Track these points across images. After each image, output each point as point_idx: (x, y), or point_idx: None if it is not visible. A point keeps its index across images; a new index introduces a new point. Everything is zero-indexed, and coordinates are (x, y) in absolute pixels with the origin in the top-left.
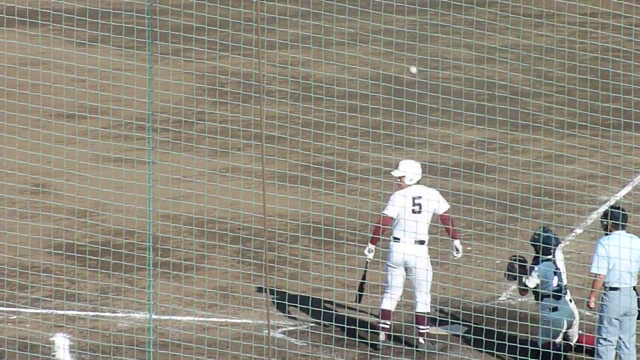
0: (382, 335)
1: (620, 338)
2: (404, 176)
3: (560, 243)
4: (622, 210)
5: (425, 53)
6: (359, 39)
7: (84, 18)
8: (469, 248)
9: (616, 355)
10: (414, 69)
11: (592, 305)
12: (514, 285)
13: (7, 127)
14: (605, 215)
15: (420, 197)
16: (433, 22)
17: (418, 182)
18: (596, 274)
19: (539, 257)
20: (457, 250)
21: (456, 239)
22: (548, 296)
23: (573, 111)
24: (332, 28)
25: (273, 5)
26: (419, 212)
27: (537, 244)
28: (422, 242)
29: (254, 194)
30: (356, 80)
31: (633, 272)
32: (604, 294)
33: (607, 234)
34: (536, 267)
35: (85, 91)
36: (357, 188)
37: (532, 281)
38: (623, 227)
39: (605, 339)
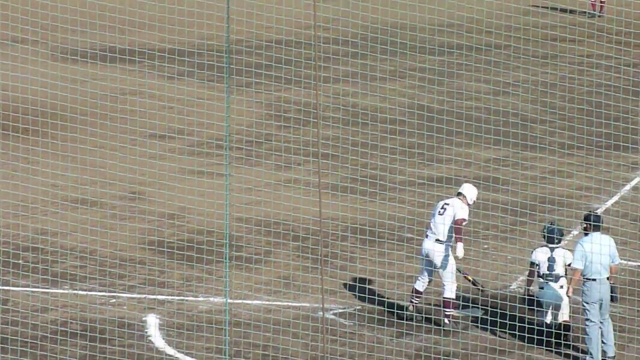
0: (411, 307)
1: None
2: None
3: (562, 238)
4: (596, 215)
5: (451, 87)
6: (398, 74)
7: (173, 56)
8: (486, 246)
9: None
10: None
11: (569, 293)
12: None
13: (110, 145)
14: (584, 219)
15: (448, 204)
16: (458, 61)
17: (460, 198)
18: (575, 268)
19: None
20: (457, 253)
21: (459, 242)
22: (539, 277)
23: (572, 135)
24: (375, 65)
25: (328, 46)
26: (442, 214)
27: (543, 234)
28: (440, 241)
29: (311, 201)
30: (395, 109)
31: (606, 265)
32: (584, 284)
33: (586, 234)
34: (532, 252)
35: (173, 116)
36: (396, 197)
37: (535, 260)
38: (598, 229)
39: (590, 320)
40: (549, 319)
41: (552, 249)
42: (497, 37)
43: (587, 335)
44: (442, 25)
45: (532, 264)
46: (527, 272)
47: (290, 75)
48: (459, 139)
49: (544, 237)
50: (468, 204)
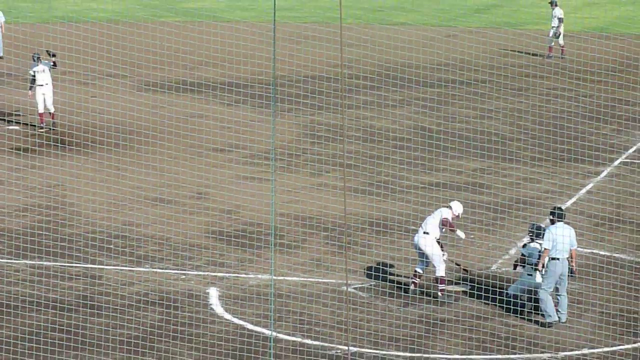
0: (412, 286)
1: (557, 290)
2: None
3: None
4: (561, 210)
5: (447, 112)
6: (405, 102)
7: (231, 87)
8: (472, 236)
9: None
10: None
11: (540, 267)
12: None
13: (181, 156)
14: (551, 213)
15: (437, 210)
16: (452, 92)
17: (448, 207)
18: (545, 248)
19: (527, 242)
20: (459, 236)
21: (455, 230)
22: (529, 266)
23: (540, 150)
24: (388, 95)
25: (351, 81)
26: (432, 216)
27: (532, 236)
28: (427, 233)
29: (337, 201)
30: (403, 129)
31: (566, 249)
32: (549, 262)
33: (552, 224)
34: (524, 248)
35: (231, 134)
36: (403, 197)
37: (518, 257)
38: (561, 220)
39: (544, 289)
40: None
41: (540, 244)
42: (482, 74)
43: (542, 298)
44: (440, 64)
45: (523, 255)
46: (516, 260)
47: (322, 103)
48: (452, 153)
49: (533, 233)
50: (456, 216)
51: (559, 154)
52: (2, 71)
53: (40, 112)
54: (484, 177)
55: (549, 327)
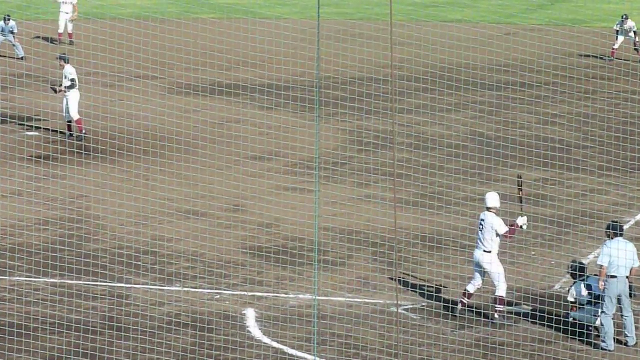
0: (460, 306)
1: (621, 311)
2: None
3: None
4: (619, 224)
5: (506, 117)
6: (461, 106)
7: (270, 90)
8: (533, 253)
9: (615, 324)
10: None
11: (601, 286)
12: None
13: (216, 164)
14: (607, 227)
15: (483, 220)
16: (512, 96)
17: (490, 209)
18: (601, 266)
19: (575, 281)
20: (522, 225)
21: (513, 234)
22: (587, 304)
23: (608, 158)
24: (442, 99)
25: (402, 82)
26: (482, 230)
27: (574, 273)
28: (487, 252)
29: (385, 214)
30: (458, 135)
31: (627, 266)
32: (606, 280)
33: (609, 240)
34: (572, 288)
35: (270, 141)
36: (459, 210)
37: (570, 296)
38: (620, 235)
39: (605, 313)
40: (598, 322)
41: (585, 283)
42: (546, 75)
43: (602, 325)
44: (499, 65)
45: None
46: (572, 305)
47: (370, 107)
48: (512, 162)
49: (574, 269)
50: (498, 209)
51: (628, 163)
52: (22, 72)
53: (75, 118)
54: (547, 188)
55: (602, 350)
